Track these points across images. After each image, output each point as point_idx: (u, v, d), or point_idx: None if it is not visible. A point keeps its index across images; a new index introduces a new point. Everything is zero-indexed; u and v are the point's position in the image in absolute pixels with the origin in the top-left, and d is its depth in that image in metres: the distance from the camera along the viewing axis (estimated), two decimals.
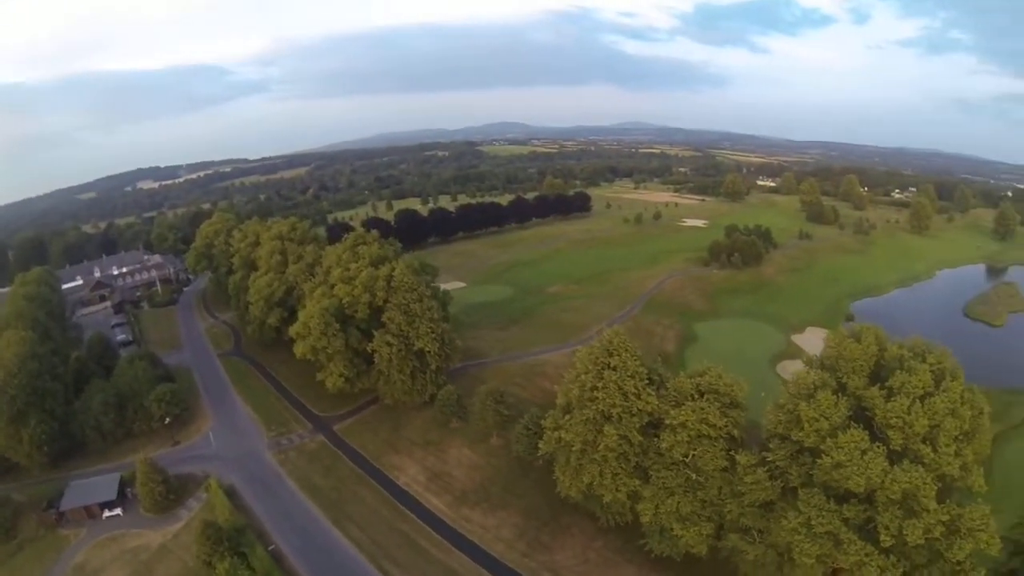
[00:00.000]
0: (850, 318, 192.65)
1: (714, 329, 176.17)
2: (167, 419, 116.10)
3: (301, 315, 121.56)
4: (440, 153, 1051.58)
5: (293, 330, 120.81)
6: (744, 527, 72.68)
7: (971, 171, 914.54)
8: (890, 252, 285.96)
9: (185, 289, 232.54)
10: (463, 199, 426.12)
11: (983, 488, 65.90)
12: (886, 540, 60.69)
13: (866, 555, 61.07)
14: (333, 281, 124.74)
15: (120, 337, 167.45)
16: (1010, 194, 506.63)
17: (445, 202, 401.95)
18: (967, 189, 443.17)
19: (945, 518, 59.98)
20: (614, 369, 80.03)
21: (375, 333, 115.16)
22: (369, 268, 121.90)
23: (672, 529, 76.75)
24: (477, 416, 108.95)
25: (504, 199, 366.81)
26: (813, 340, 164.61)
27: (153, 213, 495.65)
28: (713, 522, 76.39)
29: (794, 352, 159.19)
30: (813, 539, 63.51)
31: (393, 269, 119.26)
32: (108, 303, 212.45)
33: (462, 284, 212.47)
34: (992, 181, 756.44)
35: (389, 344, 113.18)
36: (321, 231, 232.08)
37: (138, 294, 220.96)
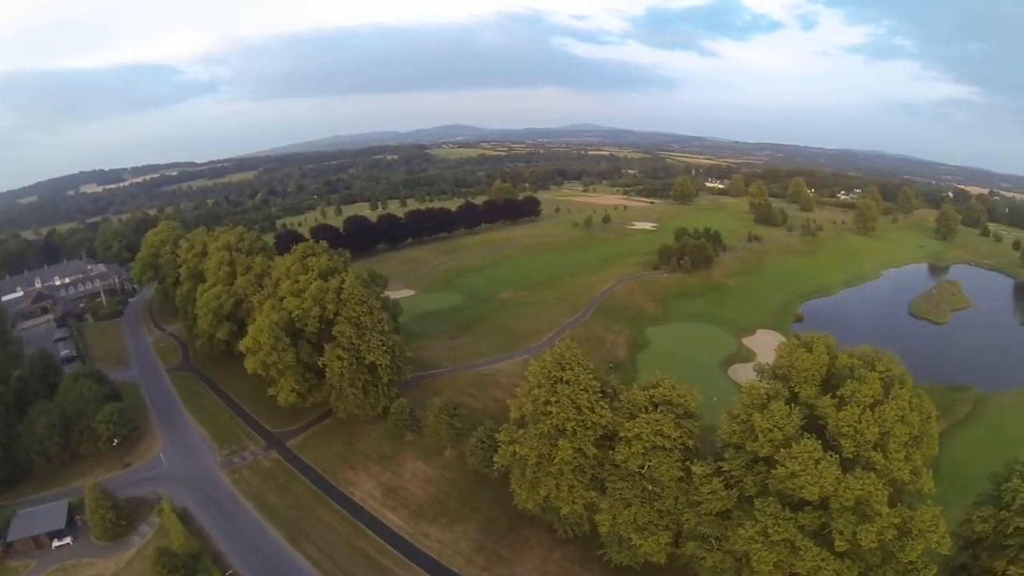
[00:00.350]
0: (800, 319, 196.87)
1: (665, 333, 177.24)
2: (115, 440, 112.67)
3: (251, 329, 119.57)
4: (389, 157, 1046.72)
5: (243, 344, 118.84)
6: (702, 535, 73.53)
7: (914, 172, 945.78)
8: (837, 253, 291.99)
9: (131, 300, 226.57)
10: (412, 204, 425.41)
11: (932, 490, 67.68)
12: (841, 545, 62.48)
13: (822, 560, 62.59)
14: (282, 294, 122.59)
15: (64, 353, 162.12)
16: (951, 195, 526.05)
17: (394, 207, 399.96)
18: (910, 190, 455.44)
19: (897, 521, 62.05)
20: (567, 383, 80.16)
21: (326, 347, 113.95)
22: (318, 280, 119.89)
23: (630, 539, 77.32)
24: (431, 430, 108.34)
25: (453, 204, 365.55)
26: (764, 343, 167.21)
27: (97, 219, 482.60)
28: (671, 531, 77.16)
29: (746, 355, 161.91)
30: (770, 547, 64.67)
31: (343, 281, 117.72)
32: (50, 316, 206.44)
33: (412, 292, 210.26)
34: (933, 182, 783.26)
35: (340, 358, 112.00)
36: (270, 238, 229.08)
37: (82, 306, 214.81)
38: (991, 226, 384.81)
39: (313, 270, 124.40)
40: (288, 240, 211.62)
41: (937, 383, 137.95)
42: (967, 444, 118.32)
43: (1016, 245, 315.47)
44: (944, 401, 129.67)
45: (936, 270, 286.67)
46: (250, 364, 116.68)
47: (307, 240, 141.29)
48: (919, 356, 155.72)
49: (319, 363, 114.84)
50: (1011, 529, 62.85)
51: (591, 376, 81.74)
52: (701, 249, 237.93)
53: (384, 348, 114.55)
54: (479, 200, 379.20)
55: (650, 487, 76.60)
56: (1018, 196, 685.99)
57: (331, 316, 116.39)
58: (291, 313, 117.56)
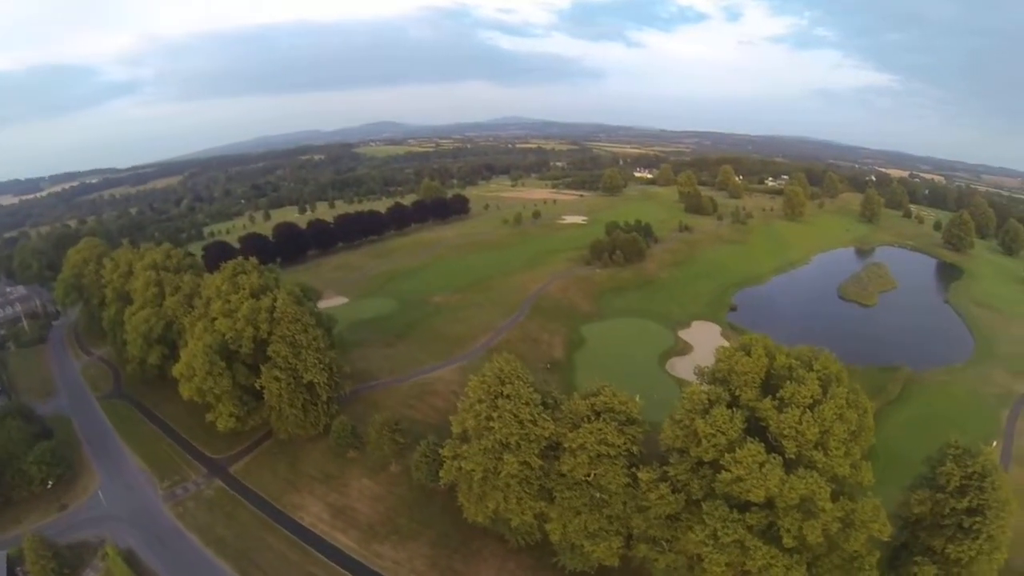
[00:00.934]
0: (734, 309, 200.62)
1: (601, 331, 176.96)
2: (50, 482, 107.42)
3: (183, 354, 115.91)
4: (317, 157, 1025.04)
5: (176, 371, 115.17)
6: (652, 538, 74.83)
7: (838, 156, 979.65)
8: (767, 240, 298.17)
9: (55, 323, 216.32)
10: (341, 206, 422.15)
11: (872, 482, 70.95)
12: (788, 542, 65.25)
13: (771, 558, 64.90)
14: (214, 314, 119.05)
15: None
16: (874, 178, 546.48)
17: (323, 210, 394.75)
18: (835, 175, 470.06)
19: (840, 515, 65.05)
20: (508, 398, 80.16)
21: (262, 368, 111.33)
22: (250, 300, 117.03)
23: (582, 545, 78.29)
24: (374, 446, 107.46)
25: (383, 204, 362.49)
26: (700, 334, 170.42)
27: (14, 233, 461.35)
28: (622, 535, 78.42)
29: (683, 348, 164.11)
30: (721, 549, 66.51)
31: (275, 299, 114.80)
32: None
33: (344, 299, 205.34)
34: (857, 166, 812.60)
35: (277, 379, 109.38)
36: (197, 249, 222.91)
37: (2, 332, 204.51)
38: (913, 208, 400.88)
39: (244, 288, 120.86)
40: (217, 253, 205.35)
41: (869, 364, 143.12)
42: (900, 424, 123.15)
43: (937, 226, 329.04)
44: (876, 382, 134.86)
45: (863, 253, 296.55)
46: (185, 391, 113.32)
47: (236, 251, 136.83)
48: (850, 339, 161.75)
49: (256, 385, 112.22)
50: (947, 510, 67.20)
51: (532, 389, 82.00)
52: (632, 243, 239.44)
53: (321, 365, 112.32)
54: (408, 199, 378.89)
55: (598, 495, 77.58)
56: (936, 178, 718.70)
57: (265, 336, 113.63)
58: (224, 335, 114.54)
